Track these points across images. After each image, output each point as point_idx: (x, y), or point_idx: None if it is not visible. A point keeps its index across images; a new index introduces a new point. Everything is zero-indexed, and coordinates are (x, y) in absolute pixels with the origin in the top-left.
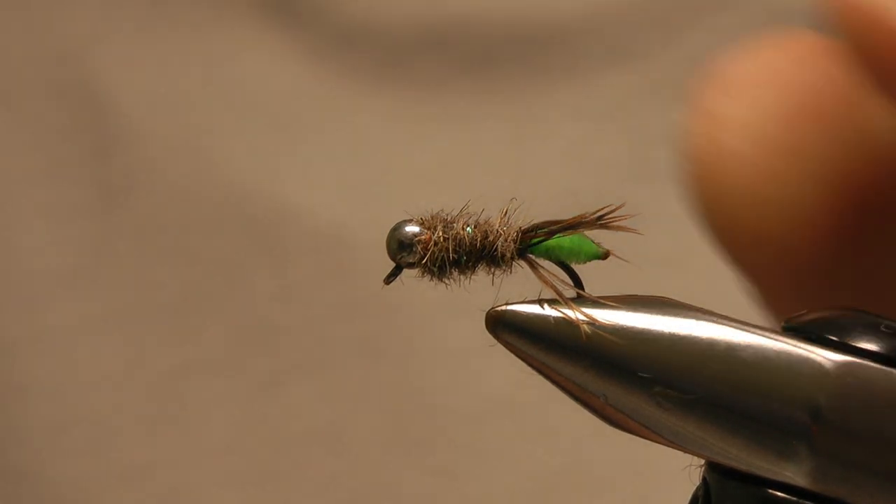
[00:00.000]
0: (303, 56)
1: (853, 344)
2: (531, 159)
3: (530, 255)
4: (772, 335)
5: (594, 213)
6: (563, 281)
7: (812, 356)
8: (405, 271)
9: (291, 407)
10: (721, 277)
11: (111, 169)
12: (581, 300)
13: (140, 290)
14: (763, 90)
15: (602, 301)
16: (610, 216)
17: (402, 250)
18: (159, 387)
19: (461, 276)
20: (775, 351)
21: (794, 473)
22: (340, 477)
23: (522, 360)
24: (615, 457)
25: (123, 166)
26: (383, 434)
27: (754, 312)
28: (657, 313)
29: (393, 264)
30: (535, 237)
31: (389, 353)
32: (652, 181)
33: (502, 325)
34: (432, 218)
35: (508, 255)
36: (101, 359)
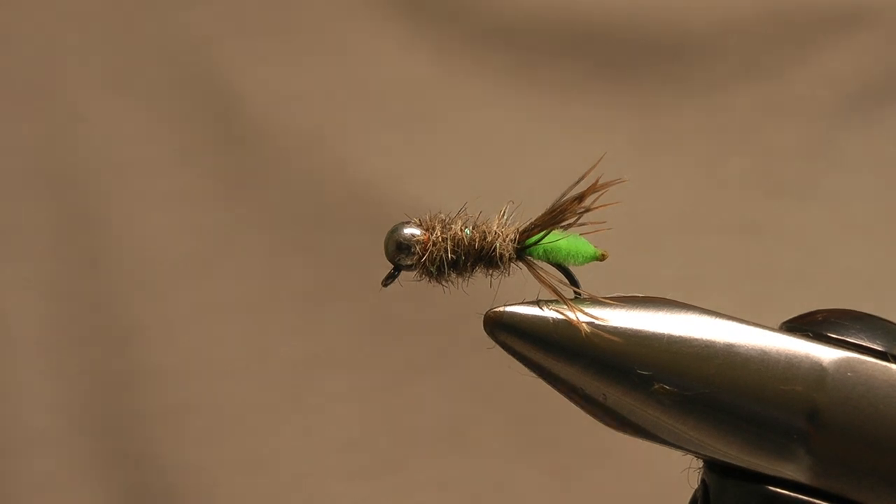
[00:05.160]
0: (434, 53)
1: (852, 341)
2: (657, 170)
3: (528, 257)
4: (772, 332)
5: (574, 197)
6: (561, 281)
7: (811, 352)
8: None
9: (416, 403)
10: (850, 291)
11: (240, 159)
12: (580, 300)
13: (267, 280)
14: None
15: (601, 300)
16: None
17: (400, 252)
18: (283, 377)
19: (459, 279)
20: (775, 347)
21: (794, 472)
22: (462, 474)
23: (521, 361)
24: None
25: (252, 157)
26: (506, 433)
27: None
28: (656, 312)
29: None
30: (532, 236)
31: None
32: (778, 197)
33: (500, 327)
34: (431, 219)
35: (507, 255)
36: (226, 347)
